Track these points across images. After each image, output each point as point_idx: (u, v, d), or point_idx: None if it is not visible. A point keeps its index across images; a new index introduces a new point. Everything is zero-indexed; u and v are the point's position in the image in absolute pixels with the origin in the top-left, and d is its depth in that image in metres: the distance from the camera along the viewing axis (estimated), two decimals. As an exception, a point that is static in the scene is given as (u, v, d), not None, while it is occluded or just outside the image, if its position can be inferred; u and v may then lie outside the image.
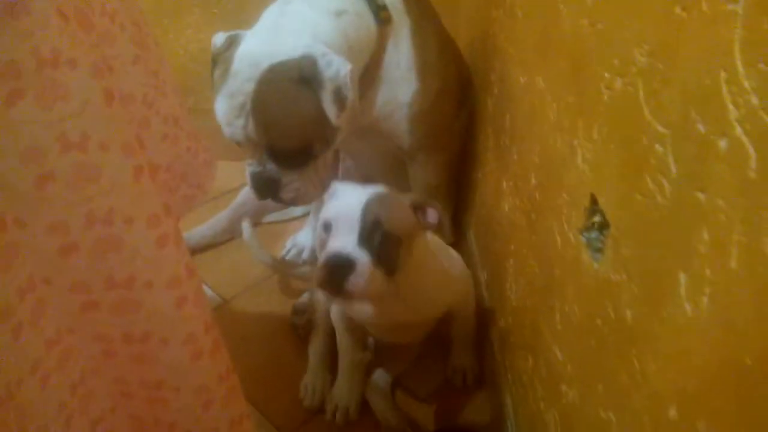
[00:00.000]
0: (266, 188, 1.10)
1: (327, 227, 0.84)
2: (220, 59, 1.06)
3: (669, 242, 0.47)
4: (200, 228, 1.60)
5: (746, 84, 0.37)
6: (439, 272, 1.00)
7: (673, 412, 0.46)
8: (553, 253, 0.76)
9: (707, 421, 0.41)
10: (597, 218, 0.62)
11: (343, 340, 1.11)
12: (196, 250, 1.57)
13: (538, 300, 0.84)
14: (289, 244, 1.58)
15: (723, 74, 0.39)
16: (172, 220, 0.61)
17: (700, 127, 0.42)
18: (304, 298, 1.34)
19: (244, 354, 1.22)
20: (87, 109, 0.50)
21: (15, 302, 0.50)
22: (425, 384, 1.19)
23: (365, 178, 1.40)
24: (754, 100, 0.36)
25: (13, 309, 0.50)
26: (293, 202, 1.13)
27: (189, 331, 0.63)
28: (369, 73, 1.15)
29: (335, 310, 1.10)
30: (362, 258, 0.80)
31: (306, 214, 1.65)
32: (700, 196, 0.42)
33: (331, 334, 1.16)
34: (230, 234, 1.62)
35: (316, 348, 1.20)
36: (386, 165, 1.39)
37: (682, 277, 0.44)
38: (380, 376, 1.16)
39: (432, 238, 1.00)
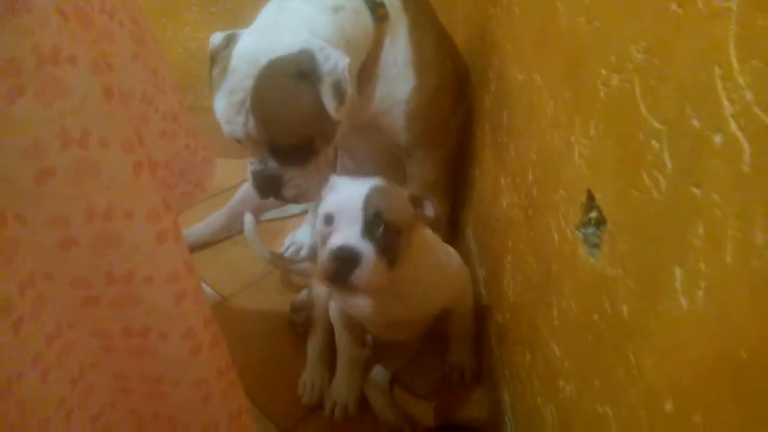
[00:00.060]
0: (268, 186, 1.10)
1: (329, 220, 0.84)
2: (218, 57, 1.05)
3: (665, 237, 0.47)
4: (198, 226, 1.60)
5: (741, 80, 0.37)
6: (436, 269, 1.00)
7: (668, 406, 0.46)
8: (550, 249, 0.77)
9: (703, 415, 0.42)
10: (594, 214, 0.62)
11: (341, 337, 1.11)
12: (195, 247, 1.57)
13: (535, 296, 0.84)
14: (287, 241, 1.58)
15: (718, 70, 0.39)
16: (172, 215, 0.61)
17: (696, 123, 0.42)
18: (303, 295, 1.34)
19: (243, 351, 1.23)
20: (87, 105, 0.51)
21: (15, 297, 0.50)
22: (423, 380, 1.19)
23: (363, 175, 1.40)
24: (749, 96, 0.36)
25: (13, 304, 0.50)
26: (295, 200, 1.13)
27: (188, 326, 0.63)
28: (366, 70, 1.15)
29: (333, 308, 1.10)
30: (367, 250, 0.80)
31: (304, 212, 1.65)
32: (696, 191, 0.42)
33: (330, 331, 1.16)
34: (228, 232, 1.63)
35: (314, 345, 1.20)
36: (384, 163, 1.39)
37: (678, 272, 0.45)
38: (379, 373, 1.17)
39: (429, 235, 1.01)
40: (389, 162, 1.37)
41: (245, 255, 1.50)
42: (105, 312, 0.59)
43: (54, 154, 0.49)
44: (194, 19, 1.85)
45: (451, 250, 1.11)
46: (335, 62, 0.98)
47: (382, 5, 1.15)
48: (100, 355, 0.62)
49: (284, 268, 1.48)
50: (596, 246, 0.62)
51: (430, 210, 0.89)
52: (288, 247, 1.56)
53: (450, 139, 1.37)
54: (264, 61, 0.99)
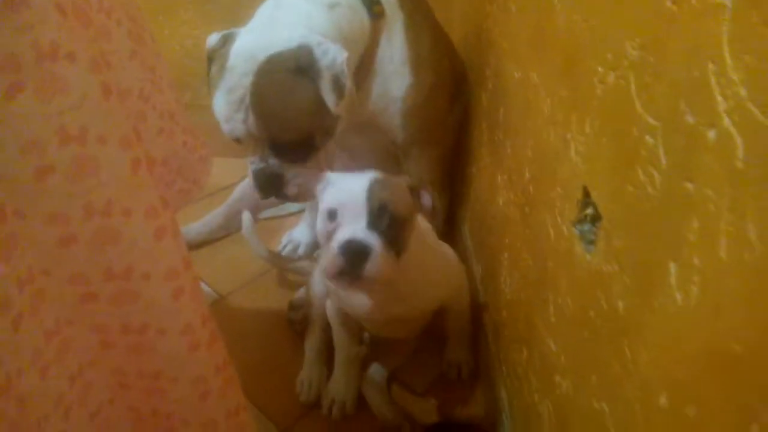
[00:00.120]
0: (270, 185, 1.09)
1: (332, 216, 0.82)
2: (216, 56, 1.05)
3: (659, 233, 0.47)
4: (196, 224, 1.60)
5: (734, 76, 0.37)
6: (433, 266, 1.00)
7: (663, 400, 0.46)
8: (546, 246, 0.77)
9: (697, 408, 0.42)
10: (589, 210, 0.63)
11: (339, 335, 1.11)
12: (192, 246, 1.56)
13: (532, 293, 0.85)
14: (285, 240, 1.58)
15: (711, 66, 0.40)
16: (170, 212, 0.61)
17: (690, 119, 0.43)
18: (300, 293, 1.34)
19: (241, 349, 1.22)
20: (86, 102, 0.51)
21: (14, 293, 0.50)
22: (421, 378, 1.19)
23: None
24: (742, 92, 0.37)
25: (12, 300, 0.50)
26: (297, 198, 1.12)
27: (186, 322, 0.64)
28: (363, 67, 1.15)
29: (330, 306, 1.10)
30: (375, 242, 0.80)
31: (302, 210, 1.65)
32: (689, 186, 0.43)
33: (327, 330, 1.16)
34: (226, 230, 1.63)
35: (312, 343, 1.20)
36: (380, 161, 1.39)
37: (672, 267, 0.45)
38: (376, 371, 1.17)
39: (426, 232, 1.01)
40: (385, 160, 1.37)
41: (243, 253, 1.50)
42: (103, 308, 0.59)
43: (53, 151, 0.50)
44: (191, 17, 1.85)
45: (447, 247, 1.11)
46: (333, 57, 0.98)
47: (378, 2, 1.15)
48: (98, 352, 0.63)
49: (282, 266, 1.48)
50: (592, 242, 0.62)
51: (427, 200, 0.88)
52: (285, 246, 1.56)
53: (446, 137, 1.37)
54: (262, 57, 0.99)
